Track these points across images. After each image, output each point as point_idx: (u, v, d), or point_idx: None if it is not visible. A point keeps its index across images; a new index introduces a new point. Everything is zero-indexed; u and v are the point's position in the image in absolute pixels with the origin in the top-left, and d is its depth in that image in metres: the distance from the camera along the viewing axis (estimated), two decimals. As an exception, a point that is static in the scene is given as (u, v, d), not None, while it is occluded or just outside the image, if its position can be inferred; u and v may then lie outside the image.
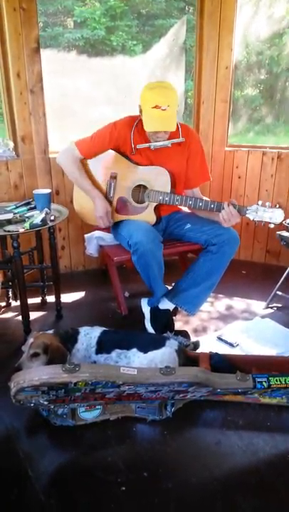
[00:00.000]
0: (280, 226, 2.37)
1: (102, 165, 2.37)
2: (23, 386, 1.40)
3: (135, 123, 2.27)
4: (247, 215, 2.15)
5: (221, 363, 1.91)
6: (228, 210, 2.15)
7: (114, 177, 2.34)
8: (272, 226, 2.13)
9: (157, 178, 2.31)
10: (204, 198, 2.49)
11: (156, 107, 2.09)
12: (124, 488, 1.48)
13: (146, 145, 2.25)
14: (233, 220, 2.17)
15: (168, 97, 2.11)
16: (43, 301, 2.80)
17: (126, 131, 2.29)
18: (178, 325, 2.47)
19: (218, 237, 2.23)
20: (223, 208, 2.16)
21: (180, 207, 2.50)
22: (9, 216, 2.32)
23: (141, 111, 2.19)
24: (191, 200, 2.25)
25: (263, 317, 2.59)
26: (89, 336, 1.93)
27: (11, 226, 2.24)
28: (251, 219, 2.14)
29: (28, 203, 2.53)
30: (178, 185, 2.38)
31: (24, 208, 2.46)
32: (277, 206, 2.12)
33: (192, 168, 2.40)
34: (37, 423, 1.77)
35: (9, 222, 2.28)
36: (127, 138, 2.30)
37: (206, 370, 1.62)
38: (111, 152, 2.34)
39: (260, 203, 2.14)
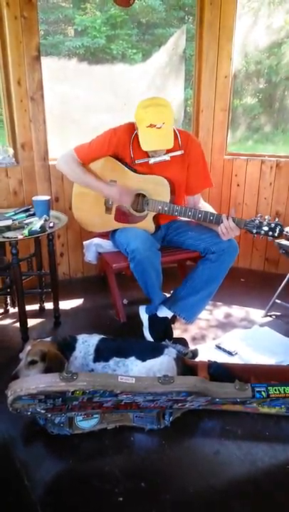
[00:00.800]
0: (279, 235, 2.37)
1: (101, 172, 2.37)
2: (20, 394, 1.39)
3: (136, 131, 2.27)
4: (246, 228, 2.16)
5: (219, 372, 1.90)
6: (227, 224, 2.16)
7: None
8: (270, 239, 2.15)
9: (156, 188, 2.30)
10: (205, 204, 2.50)
11: (151, 125, 2.10)
12: (121, 499, 1.47)
13: (146, 160, 2.25)
14: (232, 234, 2.17)
15: (162, 114, 2.10)
16: (41, 308, 2.79)
17: (126, 137, 2.29)
18: (176, 333, 2.46)
19: (217, 245, 2.23)
20: (222, 222, 2.17)
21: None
22: (8, 222, 2.32)
23: (137, 128, 2.20)
24: (191, 211, 2.25)
25: (261, 325, 2.58)
26: (87, 343, 1.92)
27: (10, 232, 2.23)
28: (250, 232, 2.15)
29: (27, 210, 2.53)
30: (178, 193, 2.38)
31: (23, 215, 2.46)
32: (277, 220, 2.14)
33: (194, 175, 2.40)
34: (34, 432, 1.75)
35: (8, 228, 2.28)
36: (126, 145, 2.30)
37: (205, 380, 1.61)
38: (110, 159, 2.35)
39: (259, 216, 2.15)
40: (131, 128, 2.29)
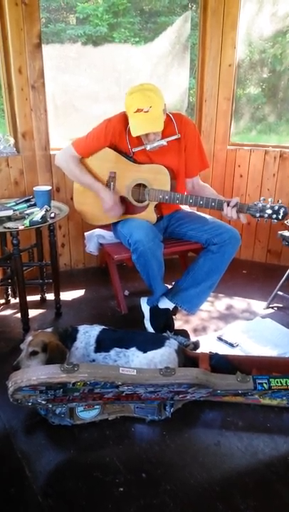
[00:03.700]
0: (282, 226, 2.35)
1: (100, 164, 2.35)
2: (21, 385, 1.39)
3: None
4: (249, 212, 2.13)
5: (221, 364, 1.90)
6: (225, 212, 2.15)
7: (113, 177, 2.32)
8: (275, 222, 2.11)
9: (156, 177, 2.28)
10: (206, 185, 2.48)
11: (138, 110, 2.08)
12: (122, 489, 1.47)
13: (142, 147, 2.23)
14: (234, 219, 2.16)
15: (148, 98, 2.08)
16: (43, 299, 2.78)
17: (121, 126, 2.27)
18: (178, 324, 2.46)
19: (219, 237, 2.21)
20: (223, 210, 2.16)
21: (181, 206, 2.49)
22: (9, 213, 2.31)
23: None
24: (192, 198, 2.23)
25: (263, 317, 2.57)
26: (88, 334, 1.92)
27: (11, 223, 2.22)
28: (254, 216, 2.12)
29: (28, 200, 2.51)
30: (179, 180, 2.36)
31: (24, 205, 2.44)
32: (280, 202, 2.10)
33: (190, 157, 2.38)
34: (35, 422, 1.76)
35: (9, 219, 2.27)
36: (122, 134, 2.28)
37: (206, 372, 1.61)
38: (109, 151, 2.32)
39: (262, 199, 2.12)
40: (125, 117, 2.26)
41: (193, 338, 2.30)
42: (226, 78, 3.05)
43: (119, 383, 1.44)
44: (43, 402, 1.60)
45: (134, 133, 2.14)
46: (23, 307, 2.35)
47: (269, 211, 2.09)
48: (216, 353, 2.00)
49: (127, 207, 2.37)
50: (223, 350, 2.19)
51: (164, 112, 2.17)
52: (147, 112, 2.07)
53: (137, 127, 2.13)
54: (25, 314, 2.36)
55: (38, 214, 2.24)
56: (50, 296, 2.74)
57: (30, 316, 2.41)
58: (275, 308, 2.69)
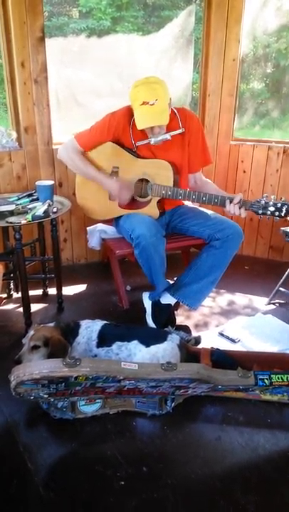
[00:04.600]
0: (285, 222, 2.34)
1: (103, 158, 2.34)
2: (23, 379, 1.39)
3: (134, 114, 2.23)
4: (251, 209, 2.12)
5: (222, 359, 1.90)
6: (228, 209, 2.15)
7: (116, 171, 2.31)
8: (277, 219, 2.11)
9: (159, 173, 2.28)
10: (209, 180, 2.48)
11: (144, 103, 2.07)
12: (123, 483, 1.48)
13: (146, 141, 2.22)
14: (237, 215, 2.16)
15: (154, 91, 2.08)
16: (45, 294, 2.79)
17: (124, 120, 2.26)
18: (179, 320, 2.46)
19: (221, 232, 2.21)
20: (225, 207, 2.15)
21: (183, 201, 2.48)
22: (11, 207, 2.31)
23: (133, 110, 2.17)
24: (195, 194, 2.23)
25: (265, 313, 2.57)
26: (90, 329, 1.92)
27: (13, 217, 2.22)
28: (256, 213, 2.12)
29: (31, 195, 2.51)
30: (182, 175, 2.36)
31: (26, 200, 2.44)
32: (283, 199, 2.10)
33: (194, 152, 2.37)
34: (37, 416, 1.77)
35: (11, 213, 2.27)
36: (126, 128, 2.27)
37: (208, 367, 1.61)
38: (112, 145, 2.32)
39: (265, 196, 2.12)
40: (129, 111, 2.25)
41: (194, 334, 2.30)
42: (229, 73, 3.03)
43: (121, 377, 1.44)
44: (45, 396, 1.61)
45: (140, 126, 2.13)
46: (25, 301, 2.36)
47: (272, 208, 2.09)
48: (218, 349, 2.00)
49: (130, 202, 2.37)
50: (225, 345, 2.20)
51: (169, 106, 2.16)
52: (153, 104, 2.06)
53: (142, 120, 2.12)
54: (27, 309, 2.37)
55: (40, 209, 2.24)
56: (52, 291, 2.74)
57: (32, 311, 2.41)
58: (277, 305, 2.69)
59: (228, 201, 2.14)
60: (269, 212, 2.09)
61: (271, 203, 2.08)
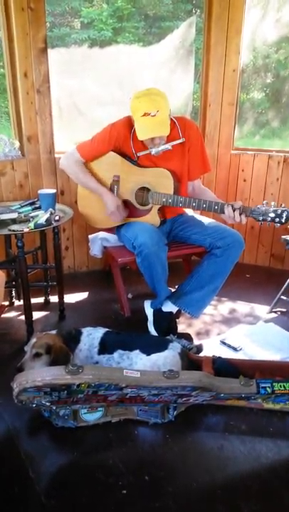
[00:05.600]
0: (286, 230, 2.36)
1: (105, 168, 2.36)
2: (26, 387, 1.40)
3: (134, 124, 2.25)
4: (252, 216, 2.13)
5: (224, 367, 1.90)
6: (227, 214, 2.15)
7: (116, 180, 2.33)
8: (278, 226, 2.11)
9: (160, 181, 2.30)
10: (206, 188, 2.49)
11: (145, 114, 2.09)
12: (125, 492, 1.47)
13: (147, 151, 2.24)
14: (237, 223, 2.16)
15: (156, 102, 2.10)
16: (46, 301, 2.79)
17: (125, 131, 2.29)
18: (181, 328, 2.46)
19: (222, 240, 2.22)
20: (224, 213, 2.16)
21: (184, 209, 2.50)
22: (14, 215, 2.32)
23: (134, 120, 2.19)
24: (195, 201, 2.24)
25: (266, 321, 2.57)
26: (92, 336, 1.93)
27: (16, 226, 2.23)
28: (256, 219, 2.13)
29: (33, 203, 2.53)
30: (183, 183, 2.37)
31: (29, 208, 2.46)
32: (283, 206, 2.11)
33: (193, 160, 2.39)
34: (39, 424, 1.76)
35: (14, 221, 2.29)
36: (126, 138, 2.29)
37: (210, 375, 1.61)
38: (113, 154, 2.34)
39: (265, 202, 2.13)
40: (129, 121, 2.28)
41: (196, 342, 2.31)
42: (230, 83, 3.06)
43: (124, 385, 1.44)
44: (47, 403, 1.61)
45: (141, 137, 2.15)
46: (27, 309, 2.36)
47: (272, 215, 2.09)
48: (219, 357, 2.00)
49: (131, 210, 2.38)
50: (226, 353, 2.19)
51: (169, 117, 2.18)
52: (154, 116, 2.08)
53: (143, 131, 2.14)
54: (29, 316, 2.37)
55: (42, 217, 2.26)
56: (54, 299, 2.75)
57: (34, 318, 2.42)
58: (278, 313, 2.69)
59: (229, 207, 2.15)
60: (269, 219, 2.09)
61: (271, 210, 2.09)
